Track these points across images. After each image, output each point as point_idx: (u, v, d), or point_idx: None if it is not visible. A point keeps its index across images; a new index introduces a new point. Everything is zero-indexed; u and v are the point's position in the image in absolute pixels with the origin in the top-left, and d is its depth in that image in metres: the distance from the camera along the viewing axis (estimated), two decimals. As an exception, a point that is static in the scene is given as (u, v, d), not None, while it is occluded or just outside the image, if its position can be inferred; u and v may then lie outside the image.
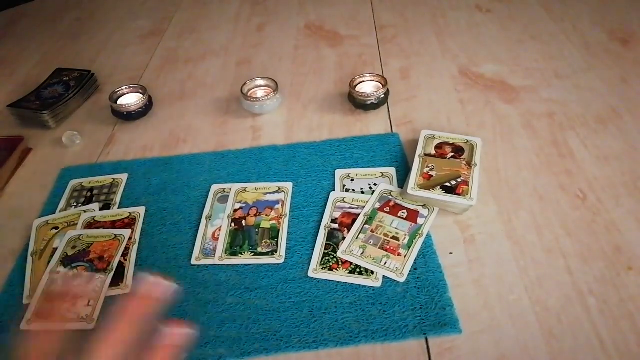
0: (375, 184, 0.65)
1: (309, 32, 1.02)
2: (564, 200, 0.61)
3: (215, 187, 0.67)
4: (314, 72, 0.90)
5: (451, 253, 0.56)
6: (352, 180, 0.66)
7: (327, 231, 0.60)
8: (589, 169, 0.64)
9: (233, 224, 0.62)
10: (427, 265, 0.55)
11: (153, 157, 0.75)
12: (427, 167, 0.63)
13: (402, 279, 0.54)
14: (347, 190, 0.65)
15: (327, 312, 0.52)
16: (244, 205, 0.64)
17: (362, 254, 0.56)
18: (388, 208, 0.61)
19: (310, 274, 0.56)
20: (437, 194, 0.60)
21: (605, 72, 0.80)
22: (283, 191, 0.66)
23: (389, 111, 0.78)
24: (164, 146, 0.77)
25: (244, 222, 0.62)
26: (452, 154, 0.65)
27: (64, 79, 0.90)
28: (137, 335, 0.34)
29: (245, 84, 0.81)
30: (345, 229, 0.60)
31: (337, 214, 0.62)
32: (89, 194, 0.69)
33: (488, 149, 0.68)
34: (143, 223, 0.64)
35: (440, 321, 0.50)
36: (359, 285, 0.54)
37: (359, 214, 0.61)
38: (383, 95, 0.76)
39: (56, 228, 0.64)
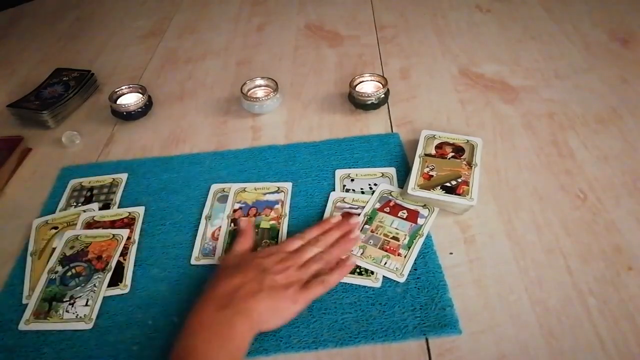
0: (375, 184, 0.65)
1: (309, 32, 1.02)
2: (564, 201, 0.61)
3: (215, 187, 0.67)
4: (314, 72, 0.90)
5: (451, 253, 0.56)
6: (352, 180, 0.66)
7: (326, 231, 0.60)
8: (589, 169, 0.64)
9: (233, 224, 0.62)
10: (427, 265, 0.55)
11: (153, 157, 0.75)
12: (427, 167, 0.63)
13: (402, 279, 0.54)
14: (347, 190, 0.65)
15: (327, 312, 0.52)
16: (243, 205, 0.64)
17: (362, 254, 0.56)
18: (388, 208, 0.61)
19: (310, 274, 0.55)
20: (438, 194, 0.59)
21: (606, 72, 0.80)
22: (282, 191, 0.66)
23: (389, 111, 0.78)
24: (164, 146, 0.77)
25: (243, 222, 0.62)
26: (453, 154, 0.65)
27: (64, 78, 0.90)
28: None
29: (245, 83, 0.81)
30: (345, 229, 0.60)
31: (337, 214, 0.61)
32: (88, 193, 0.69)
33: (488, 149, 0.68)
34: (142, 223, 0.64)
35: (440, 322, 0.50)
36: (359, 285, 0.54)
37: (359, 214, 0.61)
38: (383, 95, 0.76)
39: (56, 228, 0.64)
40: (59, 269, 0.58)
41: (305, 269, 0.52)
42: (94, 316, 0.54)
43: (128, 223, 0.64)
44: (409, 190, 0.60)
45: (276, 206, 0.64)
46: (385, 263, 0.55)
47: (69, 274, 0.58)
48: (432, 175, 0.62)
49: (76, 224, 0.64)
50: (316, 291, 0.51)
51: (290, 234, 0.60)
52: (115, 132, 0.81)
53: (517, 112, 0.75)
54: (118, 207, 0.66)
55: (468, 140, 0.67)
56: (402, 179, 0.65)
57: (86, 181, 0.71)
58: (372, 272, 0.55)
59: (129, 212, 0.65)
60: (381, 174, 0.66)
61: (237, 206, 0.64)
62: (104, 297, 0.56)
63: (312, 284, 0.51)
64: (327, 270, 0.53)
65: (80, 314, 0.54)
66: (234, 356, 0.45)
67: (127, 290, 0.56)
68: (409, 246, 0.57)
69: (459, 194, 0.59)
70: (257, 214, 0.63)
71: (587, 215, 0.59)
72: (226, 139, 0.77)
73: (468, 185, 0.60)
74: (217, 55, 0.98)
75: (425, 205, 0.61)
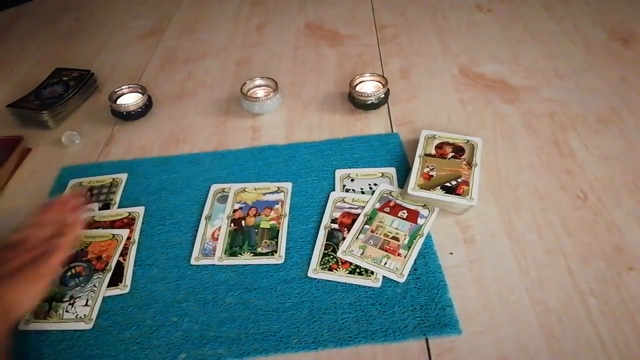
0: (375, 184, 0.65)
1: (309, 31, 1.02)
2: (564, 201, 0.61)
3: (214, 187, 0.67)
4: (314, 72, 0.89)
5: (451, 253, 0.56)
6: (352, 180, 0.66)
7: (327, 231, 0.60)
8: (589, 169, 0.64)
9: (232, 224, 0.62)
10: (427, 265, 0.55)
11: (152, 157, 0.75)
12: (427, 167, 0.63)
13: (402, 280, 0.54)
14: (347, 190, 0.65)
15: (327, 313, 0.52)
16: (243, 205, 0.64)
17: (362, 254, 0.56)
18: (388, 208, 0.61)
19: (310, 274, 0.55)
20: (438, 194, 0.59)
21: (606, 71, 0.80)
22: (282, 191, 0.66)
23: (389, 111, 0.78)
24: (164, 146, 0.77)
25: (243, 222, 0.62)
26: (453, 154, 0.65)
27: (64, 78, 0.90)
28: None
29: (245, 83, 0.81)
30: (345, 229, 0.59)
31: (337, 214, 0.61)
32: (88, 193, 0.69)
33: (488, 149, 0.68)
34: (142, 223, 0.64)
35: (440, 322, 0.50)
36: (359, 285, 0.54)
37: (359, 214, 0.61)
38: (383, 95, 0.76)
39: (55, 228, 0.64)
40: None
41: (29, 249, 0.49)
42: (93, 316, 0.54)
43: (128, 223, 0.64)
44: (409, 190, 0.60)
45: (276, 206, 0.64)
46: (385, 263, 0.55)
47: (69, 274, 0.58)
48: (432, 175, 0.62)
49: (76, 224, 0.64)
50: (49, 258, 0.48)
51: (290, 233, 0.60)
52: (115, 132, 0.81)
53: (518, 111, 0.75)
54: (118, 207, 0.66)
55: (468, 140, 0.67)
56: (402, 179, 0.65)
57: (86, 181, 0.71)
58: (372, 272, 0.55)
59: (129, 212, 0.65)
60: (381, 174, 0.66)
61: (237, 206, 0.64)
62: (104, 297, 0.55)
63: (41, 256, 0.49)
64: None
65: (80, 314, 0.54)
66: None
67: (127, 290, 0.56)
68: (409, 246, 0.56)
69: (459, 194, 0.59)
70: (257, 214, 0.63)
71: (588, 215, 0.59)
72: (226, 139, 0.77)
73: (468, 185, 0.60)
74: (216, 55, 0.98)
75: (425, 205, 0.61)
